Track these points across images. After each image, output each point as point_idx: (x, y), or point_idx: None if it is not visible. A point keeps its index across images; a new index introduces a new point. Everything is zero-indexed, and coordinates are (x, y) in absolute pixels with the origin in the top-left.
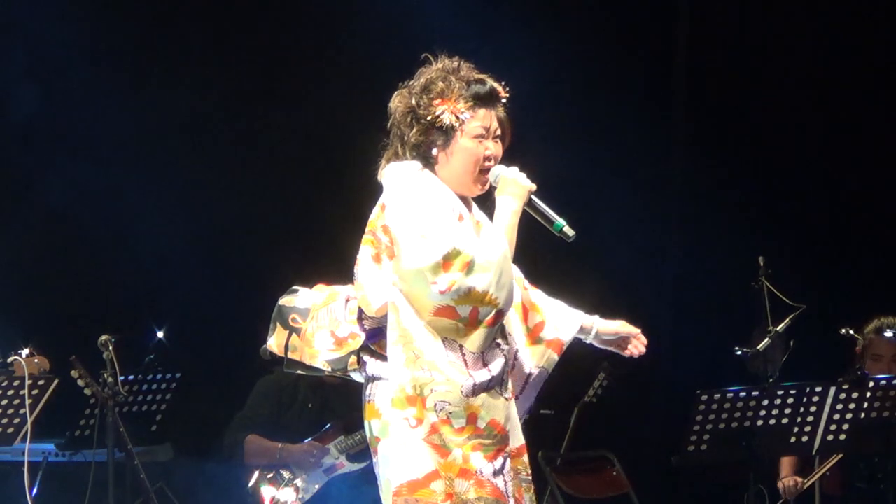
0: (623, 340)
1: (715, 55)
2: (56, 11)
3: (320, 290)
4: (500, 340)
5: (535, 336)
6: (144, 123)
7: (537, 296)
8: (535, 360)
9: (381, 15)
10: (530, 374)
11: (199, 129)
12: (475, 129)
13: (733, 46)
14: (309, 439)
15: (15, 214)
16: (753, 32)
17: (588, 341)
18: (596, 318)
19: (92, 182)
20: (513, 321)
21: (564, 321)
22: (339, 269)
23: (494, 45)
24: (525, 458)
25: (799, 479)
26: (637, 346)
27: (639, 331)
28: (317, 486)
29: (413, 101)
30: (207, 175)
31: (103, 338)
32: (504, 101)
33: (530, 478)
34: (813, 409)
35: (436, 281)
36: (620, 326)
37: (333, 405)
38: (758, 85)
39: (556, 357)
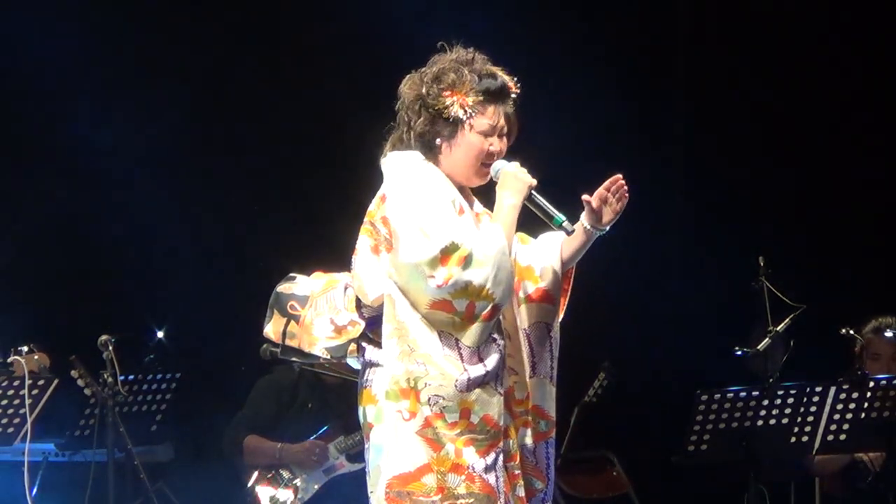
0: (605, 201)
1: (715, 55)
2: (54, 15)
3: (318, 277)
4: (496, 335)
5: (518, 297)
6: (142, 124)
7: (524, 255)
8: (525, 321)
9: (383, 2)
10: (529, 337)
11: (197, 129)
12: (482, 126)
13: (733, 45)
14: (309, 440)
15: (15, 215)
16: (753, 32)
17: (597, 235)
18: (579, 222)
19: (91, 182)
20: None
21: (545, 262)
22: (338, 262)
23: (489, 37)
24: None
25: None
26: (620, 194)
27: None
28: (316, 487)
29: (423, 90)
30: (207, 174)
31: (103, 338)
32: (514, 96)
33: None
34: (813, 409)
35: (433, 275)
36: (592, 198)
37: (333, 405)
38: (758, 84)
39: (547, 307)
